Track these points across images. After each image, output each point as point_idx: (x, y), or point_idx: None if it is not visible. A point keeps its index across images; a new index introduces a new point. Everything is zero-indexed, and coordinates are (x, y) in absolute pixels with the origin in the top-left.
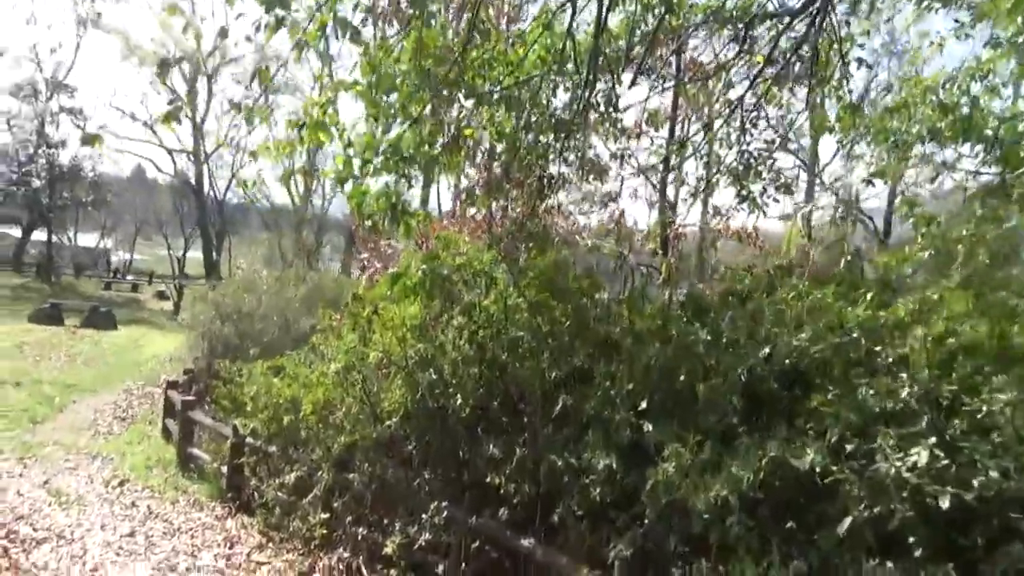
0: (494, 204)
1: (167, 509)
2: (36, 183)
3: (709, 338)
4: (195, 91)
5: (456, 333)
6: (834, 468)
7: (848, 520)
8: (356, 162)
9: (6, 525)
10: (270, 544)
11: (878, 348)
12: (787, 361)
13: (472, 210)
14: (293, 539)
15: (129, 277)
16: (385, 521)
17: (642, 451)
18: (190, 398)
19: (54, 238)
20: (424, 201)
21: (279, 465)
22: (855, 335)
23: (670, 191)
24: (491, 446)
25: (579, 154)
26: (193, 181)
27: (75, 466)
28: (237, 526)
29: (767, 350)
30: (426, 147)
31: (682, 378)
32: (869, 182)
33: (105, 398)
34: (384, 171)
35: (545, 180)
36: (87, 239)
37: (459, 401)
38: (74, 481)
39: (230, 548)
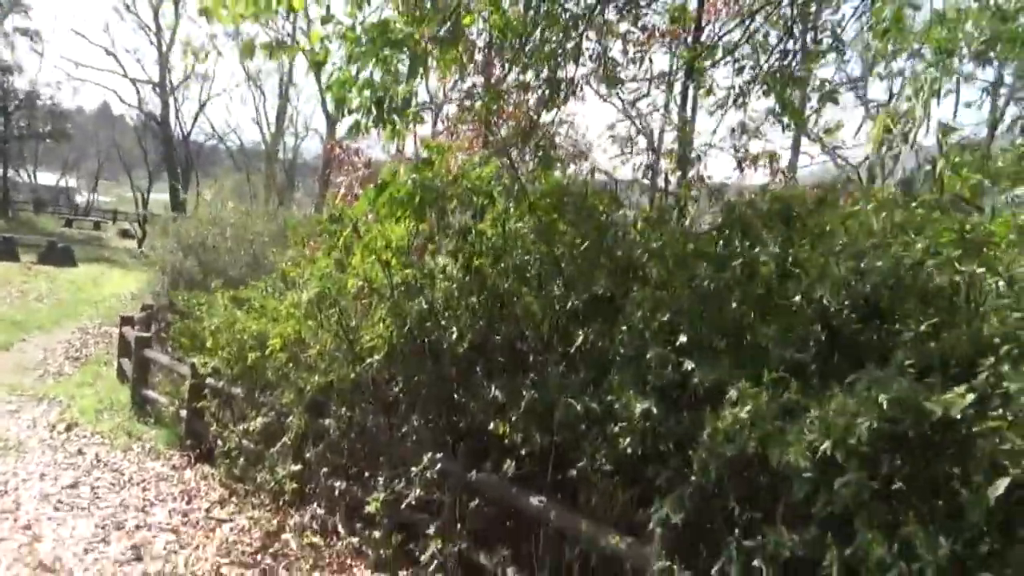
0: (495, 110)
1: (117, 457)
2: None
3: (773, 260)
4: (161, 17)
5: (449, 258)
6: (992, 413)
7: (1005, 481)
8: (336, 44)
9: None
10: (233, 498)
11: (982, 270)
12: (867, 286)
13: (467, 117)
14: (259, 493)
15: (92, 216)
16: (367, 474)
17: (685, 394)
18: (145, 334)
19: (11, 173)
20: (407, 102)
21: (244, 409)
22: (955, 254)
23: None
24: (492, 388)
25: (594, 55)
26: (158, 115)
27: (17, 409)
28: (196, 477)
29: (843, 272)
30: (418, 32)
31: (734, 307)
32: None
33: (57, 336)
34: (368, 58)
35: (555, 84)
36: (48, 177)
37: (454, 336)
38: (14, 425)
39: (187, 503)
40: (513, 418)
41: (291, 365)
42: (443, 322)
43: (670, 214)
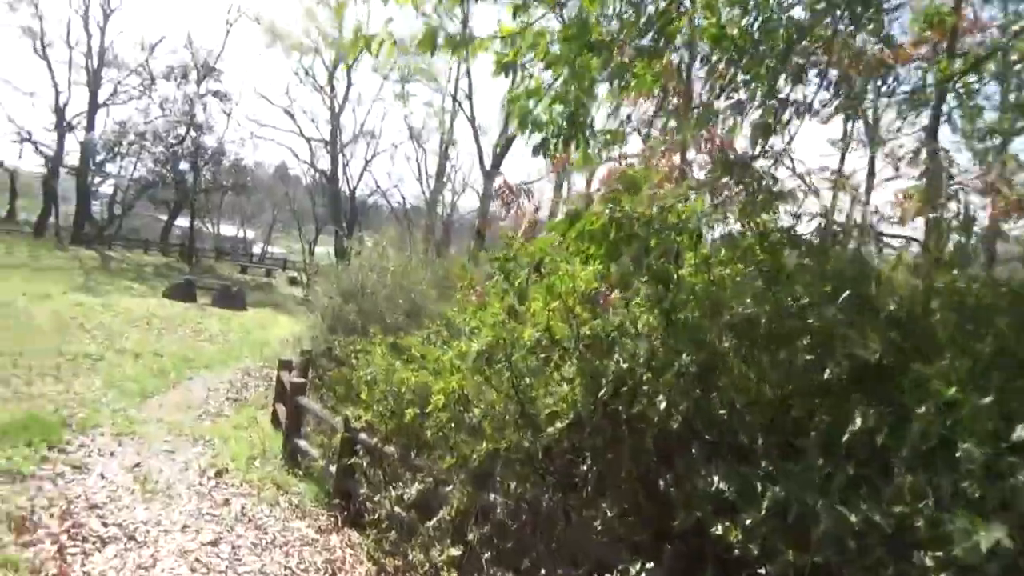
0: (700, 136)
1: (263, 512)
2: (183, 164)
3: None
4: (334, 80)
5: (645, 309)
6: None
7: None
8: (525, 42)
9: (73, 516)
10: None
11: None
12: None
13: (663, 142)
14: (412, 574)
15: (265, 263)
16: (542, 571)
17: None
18: (300, 380)
19: (198, 224)
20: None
21: (398, 471)
22: None
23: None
24: (714, 478)
25: (824, 72)
26: (328, 171)
27: (173, 450)
28: (342, 544)
29: None
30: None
31: None
32: None
33: (222, 376)
34: (562, 63)
35: (779, 107)
36: (229, 229)
37: (662, 406)
38: (167, 467)
39: None
40: (748, 522)
41: (453, 426)
42: (646, 387)
43: (968, 253)
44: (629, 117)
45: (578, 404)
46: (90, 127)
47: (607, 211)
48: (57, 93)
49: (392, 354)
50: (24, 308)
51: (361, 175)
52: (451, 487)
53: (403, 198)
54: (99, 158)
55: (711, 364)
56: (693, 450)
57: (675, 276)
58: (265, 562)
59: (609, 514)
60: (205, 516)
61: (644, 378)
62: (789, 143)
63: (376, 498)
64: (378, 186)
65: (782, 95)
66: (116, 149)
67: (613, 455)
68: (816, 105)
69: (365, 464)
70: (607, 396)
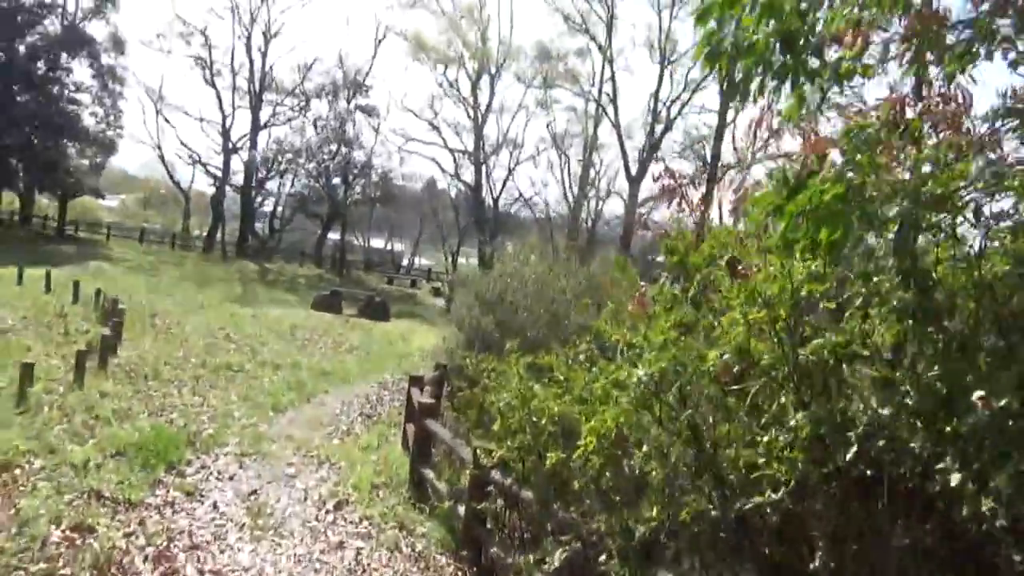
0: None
1: (380, 560)
2: (335, 179)
3: None
4: (478, 90)
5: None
6: None
7: None
8: None
9: (169, 559)
10: None
11: None
12: None
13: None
14: None
15: (411, 275)
16: None
17: None
18: (429, 401)
19: (349, 238)
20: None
21: (538, 524)
22: None
23: None
24: None
25: None
26: (472, 182)
27: (295, 473)
28: None
29: None
30: None
31: None
32: None
33: (358, 390)
34: None
35: None
36: (378, 241)
37: (954, 479)
38: (285, 496)
39: None
40: None
41: (609, 475)
42: (914, 446)
43: None
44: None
45: (801, 460)
46: (252, 147)
47: (845, 174)
48: (224, 117)
49: (530, 376)
50: (178, 319)
51: (504, 183)
52: (607, 557)
53: (547, 205)
54: (260, 176)
55: None
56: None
57: (935, 273)
58: None
59: None
60: (315, 563)
61: (912, 430)
62: None
63: (509, 560)
64: (521, 195)
65: None
66: (274, 166)
67: (861, 546)
68: None
69: (498, 507)
70: (852, 457)
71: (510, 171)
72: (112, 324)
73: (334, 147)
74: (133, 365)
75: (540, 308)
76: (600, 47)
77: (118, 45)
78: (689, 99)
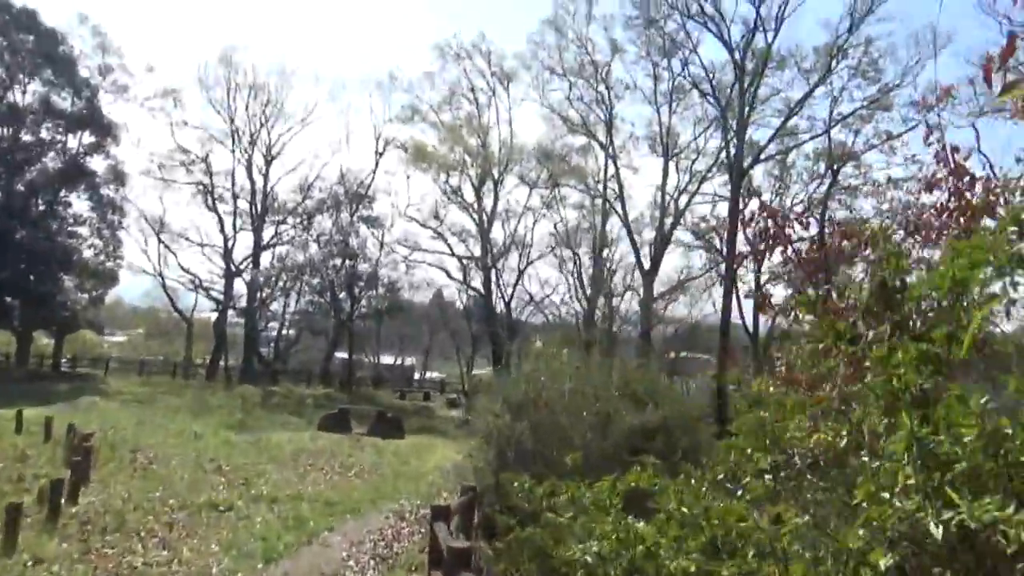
0: None
1: None
2: (340, 294)
3: None
4: (482, 196)
5: None
6: None
7: None
8: None
9: None
10: None
11: None
12: None
13: None
14: None
15: (424, 386)
16: None
17: None
18: (460, 545)
19: (358, 355)
20: None
21: None
22: None
23: None
24: None
25: None
26: (480, 287)
27: None
28: None
29: None
30: None
31: None
32: None
33: (370, 522)
34: None
35: None
36: (388, 357)
37: None
38: None
39: None
40: None
41: None
42: None
43: None
44: None
45: None
46: (255, 267)
47: None
48: (225, 240)
49: (621, 504)
50: (163, 452)
51: (516, 285)
52: None
53: (566, 303)
54: (263, 296)
55: None
56: None
57: None
58: None
59: None
60: None
61: None
62: None
63: None
64: (531, 297)
65: None
66: (277, 284)
67: None
68: None
69: None
70: None
71: (520, 272)
72: (75, 464)
73: (338, 261)
74: (94, 513)
75: (583, 410)
76: (602, 145)
77: (119, 177)
78: (697, 189)
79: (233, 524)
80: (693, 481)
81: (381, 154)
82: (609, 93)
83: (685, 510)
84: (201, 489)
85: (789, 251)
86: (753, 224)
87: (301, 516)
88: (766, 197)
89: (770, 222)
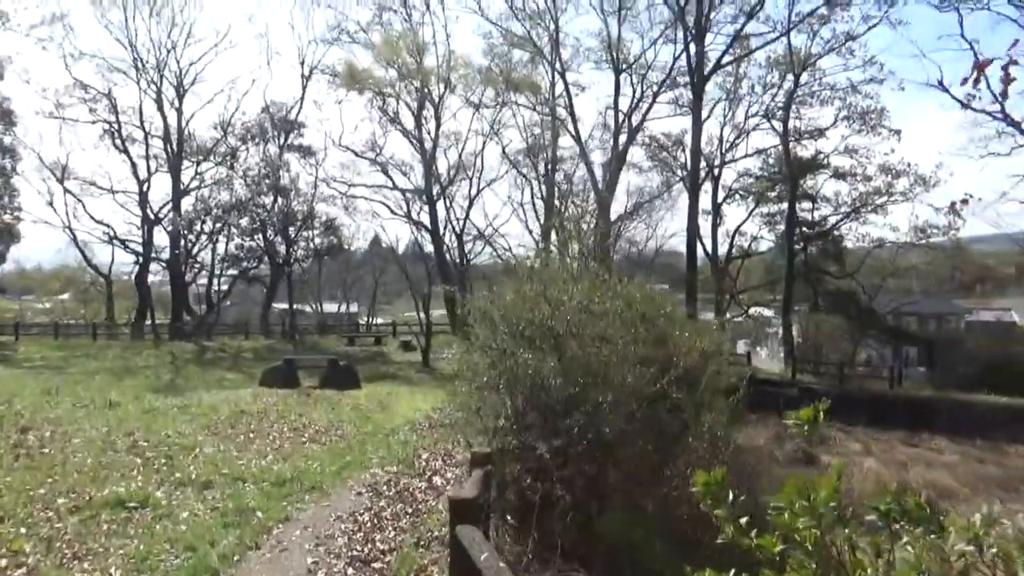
0: None
1: None
2: (274, 237)
3: None
4: (423, 121)
5: None
6: None
7: None
8: None
9: None
10: None
11: None
12: None
13: None
14: None
15: (372, 328)
16: None
17: None
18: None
19: (299, 305)
20: None
21: None
22: None
23: None
24: None
25: None
26: (428, 223)
27: None
28: None
29: None
30: None
31: None
32: None
33: (337, 505)
34: None
35: None
36: (331, 307)
37: None
38: None
39: None
40: None
41: None
42: None
43: None
44: None
45: None
46: (176, 213)
47: None
48: (140, 184)
49: None
50: (63, 429)
51: (466, 215)
52: None
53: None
54: (188, 244)
55: None
56: None
57: None
58: None
59: None
60: None
61: None
62: None
63: None
64: (480, 232)
65: None
66: (202, 230)
67: None
68: None
69: None
70: None
71: (471, 201)
72: None
73: (269, 199)
74: None
75: (617, 341)
76: (548, 60)
77: (6, 116)
78: (650, 106)
79: (147, 527)
80: None
81: (308, 77)
82: (554, 4)
83: None
84: (107, 478)
85: None
86: None
87: (244, 505)
88: (719, 109)
89: None
